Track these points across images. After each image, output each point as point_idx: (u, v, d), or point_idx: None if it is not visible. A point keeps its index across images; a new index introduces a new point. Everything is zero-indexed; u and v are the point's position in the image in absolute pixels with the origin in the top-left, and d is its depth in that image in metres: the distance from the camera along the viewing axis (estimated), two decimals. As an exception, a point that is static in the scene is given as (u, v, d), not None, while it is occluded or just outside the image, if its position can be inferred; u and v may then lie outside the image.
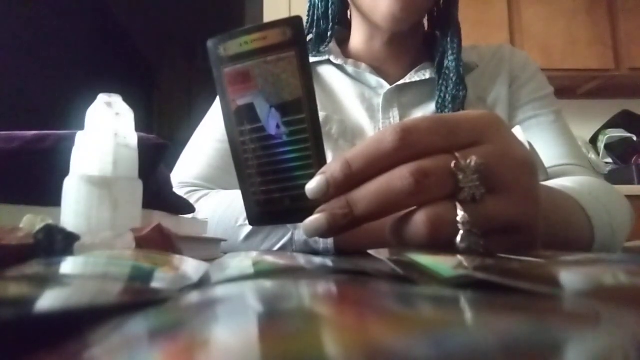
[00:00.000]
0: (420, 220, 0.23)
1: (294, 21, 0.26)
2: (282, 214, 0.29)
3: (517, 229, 0.24)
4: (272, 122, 0.27)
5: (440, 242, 0.23)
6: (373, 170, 0.24)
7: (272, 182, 0.28)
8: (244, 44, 0.26)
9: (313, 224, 0.25)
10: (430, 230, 0.23)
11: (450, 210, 0.23)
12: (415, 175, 0.22)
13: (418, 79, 0.61)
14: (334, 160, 0.25)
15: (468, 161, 0.23)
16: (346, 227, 0.24)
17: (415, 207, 0.24)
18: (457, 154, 0.23)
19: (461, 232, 0.22)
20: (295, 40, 0.26)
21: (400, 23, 0.57)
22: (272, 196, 0.29)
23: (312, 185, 0.25)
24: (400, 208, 0.24)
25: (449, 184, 0.23)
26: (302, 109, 0.27)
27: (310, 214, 0.25)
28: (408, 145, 0.23)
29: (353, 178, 0.24)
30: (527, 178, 0.25)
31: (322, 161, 0.27)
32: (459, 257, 0.19)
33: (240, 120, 0.28)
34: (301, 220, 0.26)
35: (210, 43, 0.27)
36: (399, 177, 0.23)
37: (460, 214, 0.22)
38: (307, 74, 0.26)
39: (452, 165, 0.23)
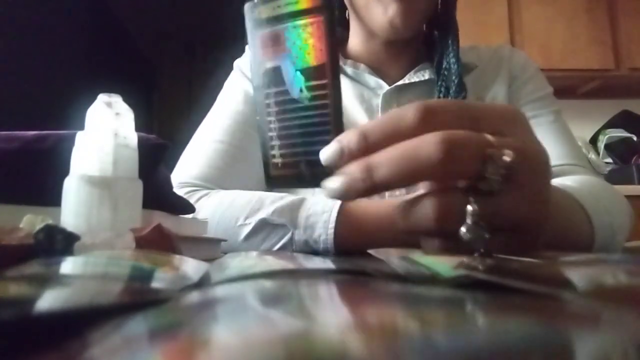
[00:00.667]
0: (429, 205, 0.23)
1: None
2: (298, 179, 0.30)
3: (524, 227, 0.24)
4: (296, 85, 0.28)
5: (447, 231, 0.22)
6: (389, 145, 0.23)
7: (291, 145, 0.29)
8: (277, 8, 0.28)
9: (331, 186, 0.24)
10: (438, 216, 0.22)
11: (462, 200, 0.22)
12: (446, 144, 0.21)
13: (417, 79, 0.61)
14: (351, 130, 0.24)
15: (503, 153, 0.22)
16: (364, 192, 0.23)
17: (426, 192, 0.23)
18: (492, 140, 0.22)
19: (468, 222, 0.22)
20: (324, 5, 0.27)
21: (399, 34, 0.57)
22: (290, 160, 0.29)
23: (327, 152, 0.24)
24: (422, 178, 0.23)
25: (475, 167, 0.22)
26: (325, 74, 0.27)
27: (326, 180, 0.25)
28: (429, 124, 0.22)
29: (368, 150, 0.23)
30: (543, 179, 0.25)
31: (339, 129, 0.27)
32: (460, 257, 0.19)
33: (268, 83, 0.29)
34: (315, 186, 0.26)
35: (247, 6, 0.29)
36: (427, 143, 0.21)
37: (471, 205, 0.22)
38: (333, 41, 0.27)
39: (489, 151, 0.22)
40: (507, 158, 0.22)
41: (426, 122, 0.22)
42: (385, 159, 0.22)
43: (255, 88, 0.30)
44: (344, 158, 0.24)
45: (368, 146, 0.23)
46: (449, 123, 0.23)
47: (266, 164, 0.30)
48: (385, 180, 0.22)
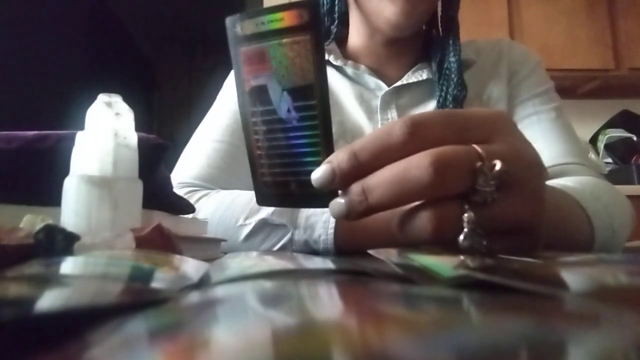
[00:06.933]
0: (426, 217, 0.23)
1: (311, 4, 0.25)
2: (288, 198, 0.29)
3: (521, 229, 0.24)
4: (283, 105, 0.27)
5: (444, 240, 0.22)
6: (380, 163, 0.23)
7: (280, 165, 0.28)
8: (260, 24, 0.26)
9: (334, 208, 0.25)
10: (435, 228, 0.22)
11: (458, 209, 0.22)
12: (435, 165, 0.21)
13: (415, 79, 0.61)
14: (340, 150, 0.24)
15: (493, 164, 0.22)
16: (363, 214, 0.24)
17: (422, 202, 0.23)
18: (480, 151, 0.22)
19: (465, 230, 0.22)
20: (311, 23, 0.25)
21: (403, 30, 0.57)
22: (279, 179, 0.29)
23: (318, 174, 0.25)
24: (415, 199, 0.23)
25: (466, 182, 0.22)
26: (314, 95, 0.26)
27: (316, 200, 0.25)
28: (418, 139, 0.23)
29: (359, 169, 0.24)
30: (536, 179, 0.25)
31: (329, 149, 0.27)
32: (460, 257, 0.19)
33: (253, 101, 0.28)
34: (306, 206, 0.26)
35: (228, 21, 0.27)
36: (417, 166, 0.22)
37: (467, 213, 0.22)
38: (321, 60, 0.26)
39: (478, 165, 0.22)
40: (496, 169, 0.22)
41: (414, 137, 0.23)
42: (378, 182, 0.23)
43: (240, 105, 0.29)
44: (336, 179, 0.24)
45: (359, 165, 0.23)
46: (436, 136, 0.23)
47: (255, 181, 0.30)
48: (379, 203, 0.23)
